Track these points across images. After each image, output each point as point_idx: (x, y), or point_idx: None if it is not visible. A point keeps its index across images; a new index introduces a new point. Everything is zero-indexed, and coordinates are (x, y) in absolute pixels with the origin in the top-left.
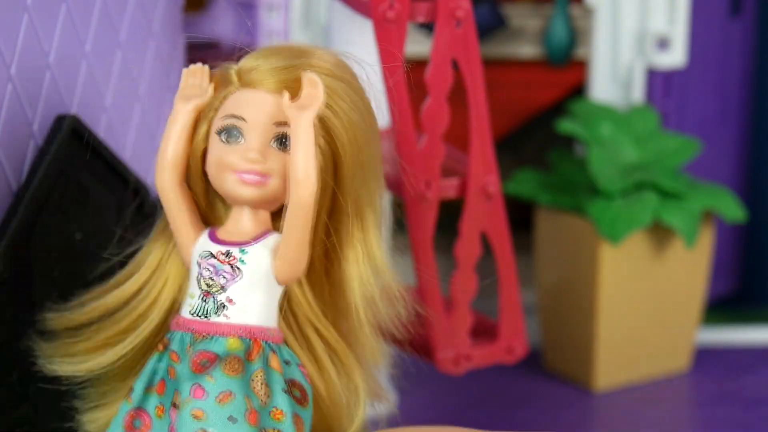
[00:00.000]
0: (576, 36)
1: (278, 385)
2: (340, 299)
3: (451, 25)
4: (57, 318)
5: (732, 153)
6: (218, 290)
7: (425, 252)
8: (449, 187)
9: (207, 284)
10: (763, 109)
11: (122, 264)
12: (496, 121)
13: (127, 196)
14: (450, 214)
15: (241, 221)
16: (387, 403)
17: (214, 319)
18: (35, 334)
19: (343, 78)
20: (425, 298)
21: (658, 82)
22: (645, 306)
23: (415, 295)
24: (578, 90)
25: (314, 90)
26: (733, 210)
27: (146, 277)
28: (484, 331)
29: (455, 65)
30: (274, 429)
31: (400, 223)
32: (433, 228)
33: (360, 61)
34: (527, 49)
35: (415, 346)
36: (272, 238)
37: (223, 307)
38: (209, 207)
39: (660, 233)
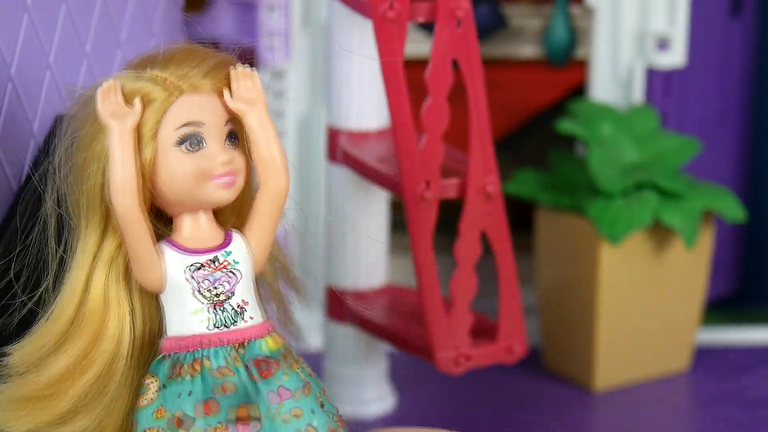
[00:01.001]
0: (576, 36)
1: (306, 371)
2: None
3: (451, 25)
4: (8, 388)
5: (732, 153)
6: (228, 297)
7: (425, 252)
8: (449, 187)
9: (214, 294)
10: (763, 109)
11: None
12: (496, 121)
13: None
14: (450, 214)
15: (200, 226)
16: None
17: (241, 325)
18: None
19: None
20: (425, 298)
21: (658, 82)
22: (645, 306)
23: (411, 295)
24: (578, 90)
25: (252, 81)
26: (733, 210)
27: (99, 319)
28: (484, 331)
29: (455, 65)
30: (334, 408)
31: (400, 223)
32: (433, 228)
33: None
34: (527, 49)
35: (415, 346)
36: (237, 234)
37: (243, 310)
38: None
39: (660, 233)
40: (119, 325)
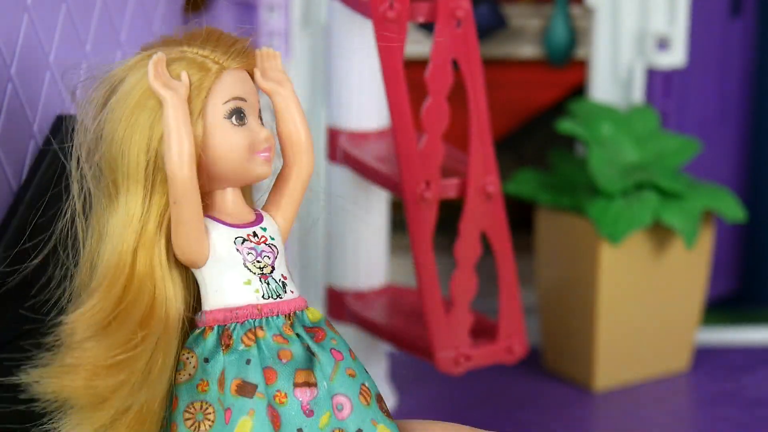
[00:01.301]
0: (576, 36)
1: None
2: None
3: (451, 25)
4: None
5: (732, 153)
6: (270, 270)
7: (425, 252)
8: (449, 187)
9: (259, 267)
10: (763, 109)
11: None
12: (496, 121)
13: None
14: (450, 214)
15: (235, 202)
16: None
17: (286, 297)
18: (24, 365)
19: None
20: (425, 298)
21: (658, 82)
22: (645, 306)
23: (411, 295)
24: (578, 90)
25: (277, 62)
26: (733, 210)
27: (148, 296)
28: (484, 331)
29: (455, 65)
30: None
31: (401, 223)
32: (433, 228)
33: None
34: (527, 49)
35: (415, 346)
36: (263, 211)
37: (284, 284)
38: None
39: (660, 233)
40: (165, 298)
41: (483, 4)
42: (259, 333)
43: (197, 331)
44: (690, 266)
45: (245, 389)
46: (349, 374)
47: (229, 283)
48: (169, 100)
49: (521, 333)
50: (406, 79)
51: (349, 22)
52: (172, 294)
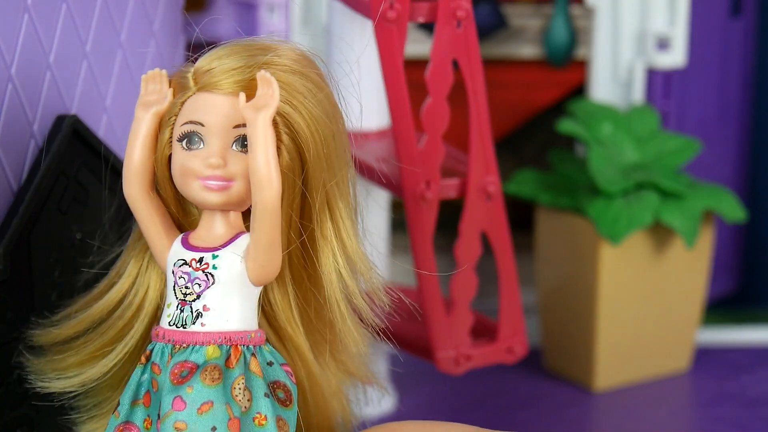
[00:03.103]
0: (576, 36)
1: (260, 390)
2: (321, 291)
3: (451, 25)
4: (44, 333)
5: (732, 153)
6: (194, 298)
7: (425, 252)
8: (449, 187)
9: (183, 293)
10: (763, 109)
11: (104, 272)
12: (496, 121)
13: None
14: (450, 214)
15: (212, 226)
16: (382, 388)
17: (191, 328)
18: (24, 350)
19: (303, 73)
20: (425, 298)
21: (658, 82)
22: (645, 306)
23: (411, 295)
24: (578, 90)
25: (269, 89)
26: (733, 210)
27: (127, 285)
28: (484, 331)
29: (455, 65)
30: None
31: (400, 223)
32: (433, 228)
33: (323, 56)
34: (527, 49)
35: (415, 346)
36: (243, 240)
37: (199, 315)
38: (182, 212)
39: (660, 233)
40: (141, 299)
41: (483, 4)
42: (150, 356)
43: None
44: (690, 266)
45: (117, 404)
46: (176, 427)
47: (165, 302)
48: (137, 116)
49: (521, 333)
50: (406, 79)
51: (349, 22)
52: (151, 298)
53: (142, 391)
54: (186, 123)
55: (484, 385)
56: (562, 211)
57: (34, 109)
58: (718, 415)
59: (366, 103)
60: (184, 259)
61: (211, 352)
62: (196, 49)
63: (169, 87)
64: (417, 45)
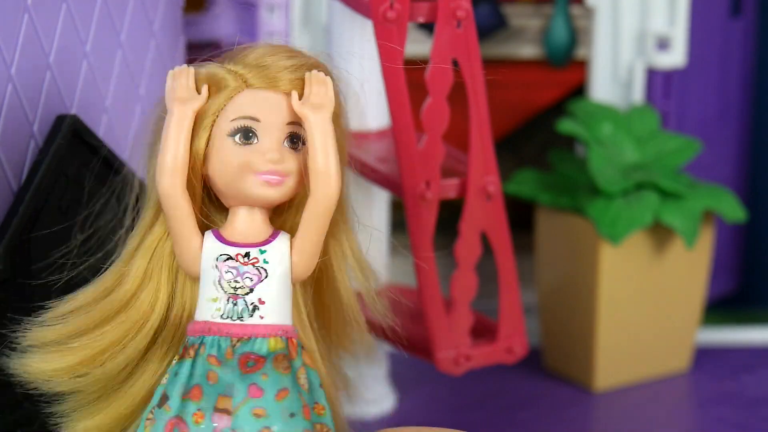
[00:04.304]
0: (576, 36)
1: (315, 381)
2: (334, 294)
3: (451, 25)
4: (36, 333)
5: (732, 153)
6: (246, 292)
7: (425, 252)
8: (449, 187)
9: (232, 287)
10: (763, 109)
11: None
12: (496, 121)
13: (126, 195)
14: (450, 214)
15: (252, 222)
16: (349, 395)
17: (248, 321)
18: (12, 352)
19: (332, 78)
20: (425, 298)
21: (658, 82)
22: (645, 306)
23: (411, 295)
24: (578, 90)
25: (325, 88)
26: (733, 210)
27: (134, 289)
28: (484, 331)
29: (455, 65)
30: (321, 423)
31: (401, 223)
32: (433, 228)
33: (337, 62)
34: (527, 49)
35: (415, 346)
36: (284, 237)
37: (255, 308)
38: (203, 211)
39: (660, 233)
40: (152, 302)
41: (483, 4)
42: (201, 350)
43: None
44: (690, 266)
45: (163, 399)
46: (255, 413)
47: (203, 297)
48: (175, 112)
49: (521, 333)
50: (406, 79)
51: (349, 22)
52: (162, 301)
53: (192, 384)
54: (239, 118)
55: (484, 385)
56: (562, 211)
57: (34, 109)
58: (718, 415)
59: (366, 103)
60: (228, 254)
61: (274, 343)
62: (195, 49)
63: (203, 84)
64: (417, 45)
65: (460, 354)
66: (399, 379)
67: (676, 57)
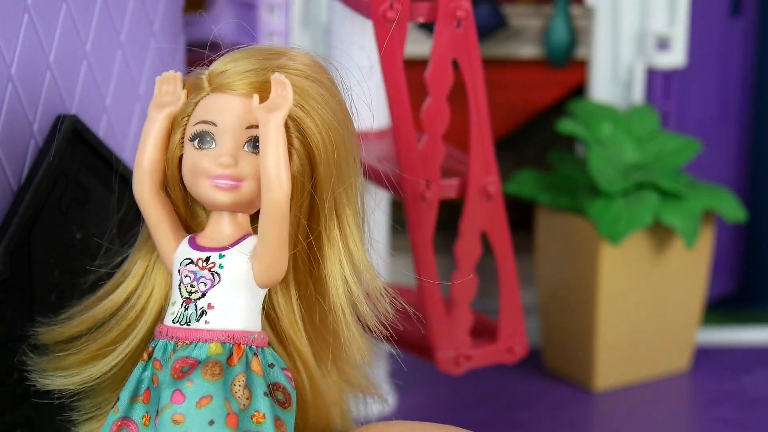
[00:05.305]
0: (576, 36)
1: (259, 389)
2: (325, 298)
3: (451, 25)
4: (47, 332)
5: (732, 153)
6: (199, 297)
7: (425, 252)
8: (449, 187)
9: (188, 291)
10: (763, 109)
11: (111, 272)
12: (496, 121)
13: (126, 195)
14: (450, 214)
15: (220, 226)
16: (382, 399)
17: (195, 325)
18: (27, 348)
19: (316, 78)
20: (425, 298)
21: (658, 82)
22: (645, 306)
23: (411, 295)
24: (578, 90)
25: (282, 91)
26: (733, 210)
27: (133, 286)
28: (484, 331)
29: (455, 65)
30: (255, 431)
31: (400, 223)
32: (433, 228)
33: (337, 63)
34: (527, 49)
35: (415, 346)
36: (250, 241)
37: (204, 313)
38: (189, 213)
39: (660, 233)
40: (147, 301)
41: (483, 4)
42: (153, 353)
43: None
44: (690, 266)
45: (116, 400)
46: (174, 420)
47: (169, 300)
48: (150, 116)
49: (521, 333)
50: (406, 79)
51: (349, 22)
52: (156, 298)
53: (143, 387)
54: (198, 123)
55: (484, 385)
56: (562, 211)
57: (34, 109)
58: (718, 415)
59: (366, 103)
60: (190, 258)
61: (214, 349)
62: (195, 49)
63: (183, 88)
64: (417, 45)
65: (460, 354)
66: (399, 379)
67: (676, 57)
